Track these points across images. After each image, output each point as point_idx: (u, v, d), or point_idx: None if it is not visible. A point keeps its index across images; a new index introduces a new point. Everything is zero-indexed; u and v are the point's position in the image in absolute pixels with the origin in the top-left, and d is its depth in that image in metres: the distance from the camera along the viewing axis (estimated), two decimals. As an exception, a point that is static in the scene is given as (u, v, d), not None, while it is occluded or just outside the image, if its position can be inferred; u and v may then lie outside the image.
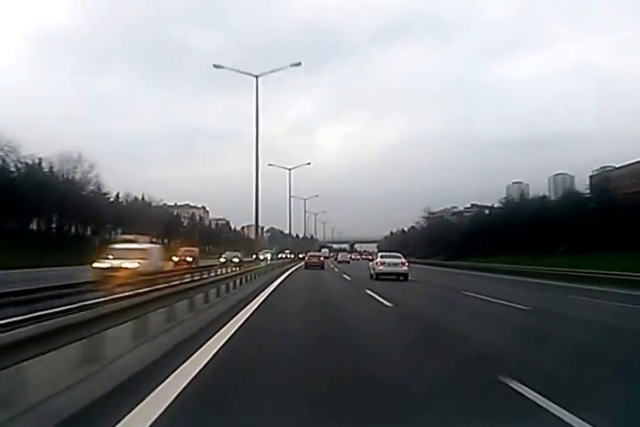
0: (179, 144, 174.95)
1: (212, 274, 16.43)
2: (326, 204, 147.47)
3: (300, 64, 33.09)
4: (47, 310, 5.63)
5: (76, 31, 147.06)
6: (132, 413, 3.76)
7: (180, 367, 5.27)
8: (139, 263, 17.43)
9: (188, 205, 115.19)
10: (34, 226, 57.04)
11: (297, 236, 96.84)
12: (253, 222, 34.44)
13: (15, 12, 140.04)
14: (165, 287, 8.80)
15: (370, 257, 60.92)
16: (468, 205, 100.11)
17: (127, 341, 6.38)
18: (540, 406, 4.10)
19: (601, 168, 67.25)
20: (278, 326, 9.16)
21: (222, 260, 40.28)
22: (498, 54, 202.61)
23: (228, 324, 8.62)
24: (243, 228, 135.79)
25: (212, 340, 7.00)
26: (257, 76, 31.72)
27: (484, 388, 4.80)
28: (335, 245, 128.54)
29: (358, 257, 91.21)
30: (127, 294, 7.15)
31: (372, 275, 25.48)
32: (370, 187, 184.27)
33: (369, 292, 16.16)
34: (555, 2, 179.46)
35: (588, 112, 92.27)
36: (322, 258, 43.96)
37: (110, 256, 18.49)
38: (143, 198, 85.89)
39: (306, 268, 40.35)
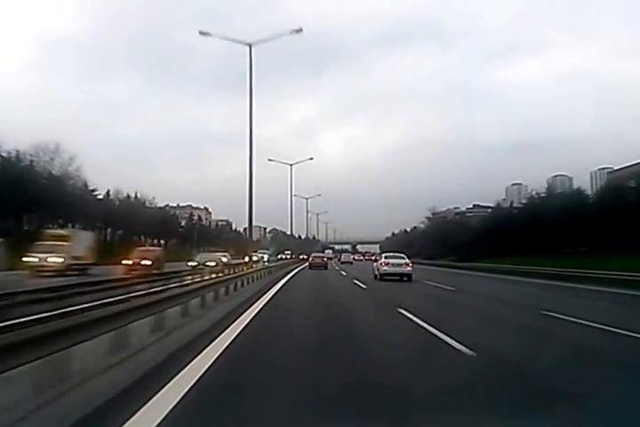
0: (183, 147, 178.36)
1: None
2: (328, 205, 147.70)
3: (301, 30, 27.96)
4: None
5: (83, 37, 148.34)
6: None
7: None
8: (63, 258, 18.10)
9: (190, 206, 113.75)
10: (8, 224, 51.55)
11: (299, 237, 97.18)
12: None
13: (23, 18, 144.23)
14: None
15: (372, 258, 60.95)
16: (471, 206, 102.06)
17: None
18: None
19: (599, 170, 70.03)
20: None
21: (192, 264, 30.49)
22: (497, 59, 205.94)
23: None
24: (245, 229, 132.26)
25: None
26: (250, 45, 27.84)
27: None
28: (337, 246, 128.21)
29: (361, 258, 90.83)
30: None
31: (376, 275, 25.48)
32: (371, 189, 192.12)
33: (402, 311, 11.02)
34: (553, 8, 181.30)
35: (585, 116, 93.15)
36: (325, 259, 45.34)
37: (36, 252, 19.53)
38: (136, 197, 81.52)
39: (310, 268, 40.30)
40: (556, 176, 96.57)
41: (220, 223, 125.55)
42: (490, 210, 76.79)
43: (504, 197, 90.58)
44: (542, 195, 54.73)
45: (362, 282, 22.27)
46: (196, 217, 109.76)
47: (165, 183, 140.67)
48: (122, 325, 5.80)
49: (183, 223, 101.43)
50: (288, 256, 73.18)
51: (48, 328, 4.28)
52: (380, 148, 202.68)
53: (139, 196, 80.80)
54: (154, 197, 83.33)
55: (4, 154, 48.62)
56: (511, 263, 36.83)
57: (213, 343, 6.94)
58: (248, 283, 18.57)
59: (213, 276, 15.50)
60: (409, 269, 24.39)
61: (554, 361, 6.33)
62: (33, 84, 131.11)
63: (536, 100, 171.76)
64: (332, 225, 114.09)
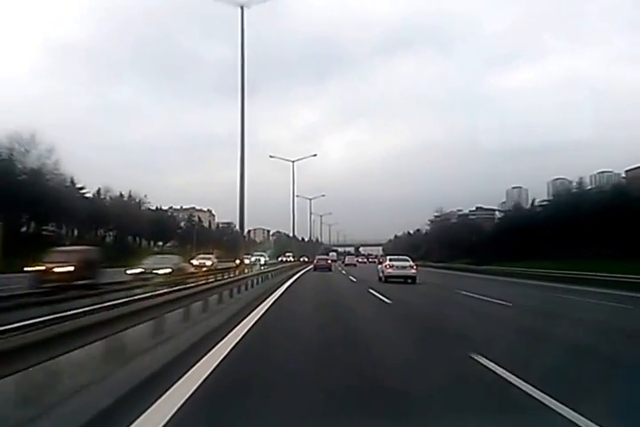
0: (189, 151, 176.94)
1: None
2: (331, 208, 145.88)
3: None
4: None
5: (91, 42, 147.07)
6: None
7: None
8: None
9: (193, 208, 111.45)
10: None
11: (302, 239, 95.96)
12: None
13: (31, 24, 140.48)
14: None
15: (376, 260, 61.92)
16: (474, 208, 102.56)
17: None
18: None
19: (598, 173, 72.24)
20: None
21: (134, 271, 20.40)
22: (497, 65, 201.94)
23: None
24: (249, 231, 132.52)
25: None
26: (242, 6, 24.85)
27: None
28: (340, 249, 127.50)
29: (365, 260, 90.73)
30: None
31: (380, 278, 25.73)
32: (373, 192, 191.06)
33: (480, 360, 6.18)
34: (551, 14, 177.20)
35: (584, 121, 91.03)
36: (329, 261, 46.22)
37: None
38: (130, 196, 77.03)
39: (315, 270, 40.45)
40: (556, 180, 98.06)
41: (222, 225, 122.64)
42: (496, 212, 76.75)
43: (504, 200, 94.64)
44: (574, 190, 49.62)
45: (380, 293, 17.31)
46: (196, 218, 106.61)
47: (171, 187, 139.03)
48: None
49: (182, 225, 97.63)
50: (289, 259, 68.43)
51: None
52: (382, 152, 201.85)
53: (132, 195, 76.23)
54: (145, 195, 78.68)
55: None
56: (546, 267, 31.87)
57: None
58: (221, 302, 12.75)
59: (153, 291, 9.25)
60: (413, 271, 24.77)
61: None
62: (41, 90, 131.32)
63: (535, 106, 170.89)
64: (335, 227, 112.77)
